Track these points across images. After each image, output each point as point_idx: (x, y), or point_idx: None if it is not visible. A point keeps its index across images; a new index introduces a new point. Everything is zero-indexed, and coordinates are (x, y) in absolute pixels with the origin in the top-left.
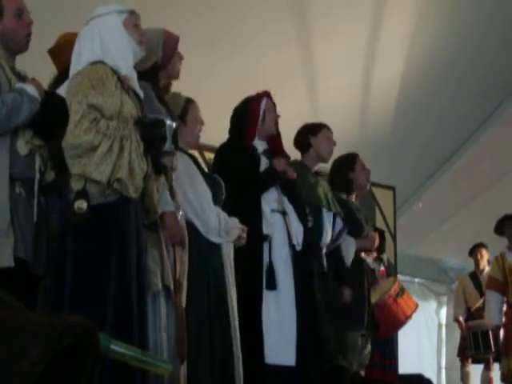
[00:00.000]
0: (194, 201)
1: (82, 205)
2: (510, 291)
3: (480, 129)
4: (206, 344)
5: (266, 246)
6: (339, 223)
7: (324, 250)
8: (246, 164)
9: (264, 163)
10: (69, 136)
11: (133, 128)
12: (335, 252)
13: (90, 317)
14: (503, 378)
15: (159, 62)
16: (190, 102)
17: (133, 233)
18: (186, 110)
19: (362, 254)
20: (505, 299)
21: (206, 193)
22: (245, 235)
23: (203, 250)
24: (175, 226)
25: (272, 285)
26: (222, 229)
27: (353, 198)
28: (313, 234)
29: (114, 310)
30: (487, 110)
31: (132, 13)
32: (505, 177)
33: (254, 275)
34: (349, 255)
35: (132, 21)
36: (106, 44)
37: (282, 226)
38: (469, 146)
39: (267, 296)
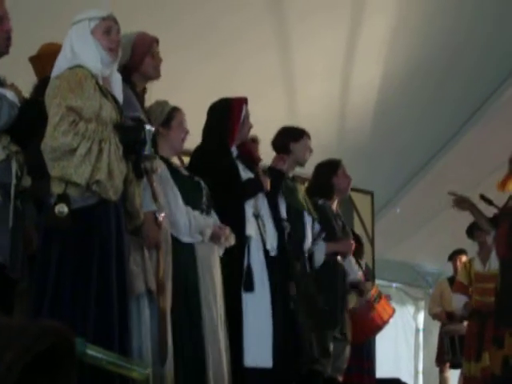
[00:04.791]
0: (162, 202)
1: (62, 209)
2: (472, 297)
3: (458, 134)
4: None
5: (245, 248)
6: (317, 227)
7: (306, 254)
8: (228, 168)
9: (240, 168)
10: (48, 139)
11: (112, 131)
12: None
13: (71, 322)
14: (465, 382)
15: (128, 64)
16: (176, 109)
17: (114, 236)
18: (171, 116)
19: (339, 258)
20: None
21: (174, 193)
22: (225, 233)
23: (175, 252)
24: (150, 228)
25: (250, 287)
26: (193, 229)
27: (333, 203)
28: (296, 237)
29: (95, 314)
30: (465, 116)
31: (104, 19)
32: (482, 182)
33: (235, 277)
34: (318, 258)
35: (102, 27)
36: (76, 51)
37: (256, 230)
38: (446, 152)
39: (244, 298)
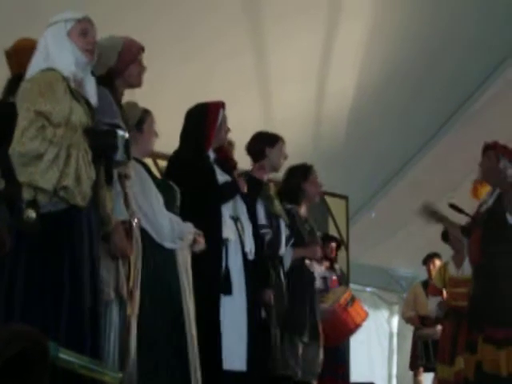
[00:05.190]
0: (145, 208)
1: (31, 214)
2: (446, 301)
3: (433, 139)
4: (159, 355)
5: (223, 251)
6: (286, 233)
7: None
8: (205, 172)
9: (217, 172)
10: (15, 144)
11: (81, 136)
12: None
13: (43, 327)
14: None
15: (114, 68)
16: (146, 112)
17: (85, 241)
18: (142, 119)
19: (307, 262)
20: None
21: (157, 199)
22: (202, 240)
23: (157, 257)
24: (119, 238)
25: (228, 290)
26: (176, 234)
27: (301, 208)
28: (273, 243)
29: (67, 319)
30: (440, 121)
31: (80, 21)
32: (457, 187)
33: (212, 280)
34: (285, 263)
35: (78, 29)
36: (51, 53)
37: (235, 233)
38: (421, 157)
39: (222, 301)
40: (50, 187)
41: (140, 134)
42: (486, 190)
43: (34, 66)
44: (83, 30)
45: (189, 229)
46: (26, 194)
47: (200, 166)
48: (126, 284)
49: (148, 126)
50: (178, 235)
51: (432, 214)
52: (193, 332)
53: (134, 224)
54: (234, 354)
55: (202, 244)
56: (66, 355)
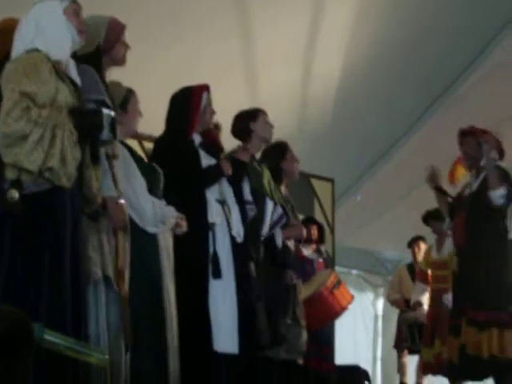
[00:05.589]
0: (128, 191)
1: (14, 194)
2: (430, 284)
3: (419, 122)
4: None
5: (210, 235)
6: (278, 212)
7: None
8: (189, 156)
9: (202, 156)
10: (0, 125)
11: (66, 116)
12: (271, 240)
13: (24, 307)
14: (424, 368)
15: (101, 46)
16: (130, 92)
17: (68, 221)
18: (127, 99)
19: (289, 243)
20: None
21: (140, 183)
22: (184, 223)
23: (139, 242)
24: (117, 211)
25: (217, 273)
26: (158, 218)
27: (282, 187)
28: (255, 223)
29: (48, 299)
30: (426, 104)
31: (73, 1)
32: (443, 170)
33: (200, 264)
34: (278, 243)
35: (72, 9)
36: (44, 30)
37: (222, 216)
38: (407, 139)
39: (210, 285)
40: (36, 168)
41: (124, 113)
42: (461, 173)
43: (20, 46)
44: (75, 10)
45: (171, 213)
46: (10, 174)
47: (184, 150)
48: (115, 263)
49: (132, 106)
50: (160, 219)
51: (435, 177)
52: (173, 314)
53: (122, 202)
54: (226, 337)
55: (184, 227)
56: (51, 336)
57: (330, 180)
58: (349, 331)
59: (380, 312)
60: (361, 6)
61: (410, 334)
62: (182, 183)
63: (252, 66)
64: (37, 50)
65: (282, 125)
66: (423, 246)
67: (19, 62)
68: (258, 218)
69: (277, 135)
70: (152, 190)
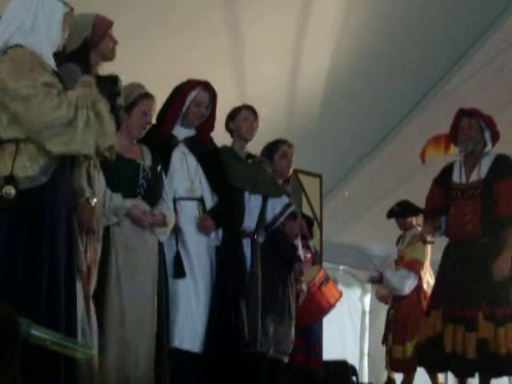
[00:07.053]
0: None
1: (9, 190)
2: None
3: (406, 118)
4: None
5: (173, 235)
6: (278, 204)
7: (249, 235)
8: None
9: (180, 151)
10: (34, 119)
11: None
12: (278, 233)
13: (21, 303)
14: (393, 365)
15: (89, 40)
16: (145, 96)
17: (63, 216)
18: (135, 101)
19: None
20: None
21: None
22: (150, 219)
23: None
24: (85, 212)
25: (179, 273)
26: (110, 210)
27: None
28: (235, 219)
29: (46, 294)
30: (414, 101)
31: (72, 10)
32: (429, 167)
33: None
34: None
35: (68, 17)
36: (39, 23)
37: (195, 215)
38: (395, 136)
39: (182, 283)
40: (92, 151)
41: (127, 116)
42: (432, 153)
43: (10, 26)
44: (70, 20)
45: (124, 204)
46: (2, 170)
47: (158, 143)
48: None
49: (137, 112)
50: (111, 211)
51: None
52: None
53: (93, 203)
54: (190, 336)
55: (153, 223)
56: (38, 332)
57: (318, 176)
58: (336, 327)
59: (367, 308)
60: (349, 1)
61: None
62: None
63: (240, 62)
64: (20, 45)
65: (270, 120)
66: None
67: (18, 61)
68: (239, 213)
69: (264, 130)
70: (131, 188)
